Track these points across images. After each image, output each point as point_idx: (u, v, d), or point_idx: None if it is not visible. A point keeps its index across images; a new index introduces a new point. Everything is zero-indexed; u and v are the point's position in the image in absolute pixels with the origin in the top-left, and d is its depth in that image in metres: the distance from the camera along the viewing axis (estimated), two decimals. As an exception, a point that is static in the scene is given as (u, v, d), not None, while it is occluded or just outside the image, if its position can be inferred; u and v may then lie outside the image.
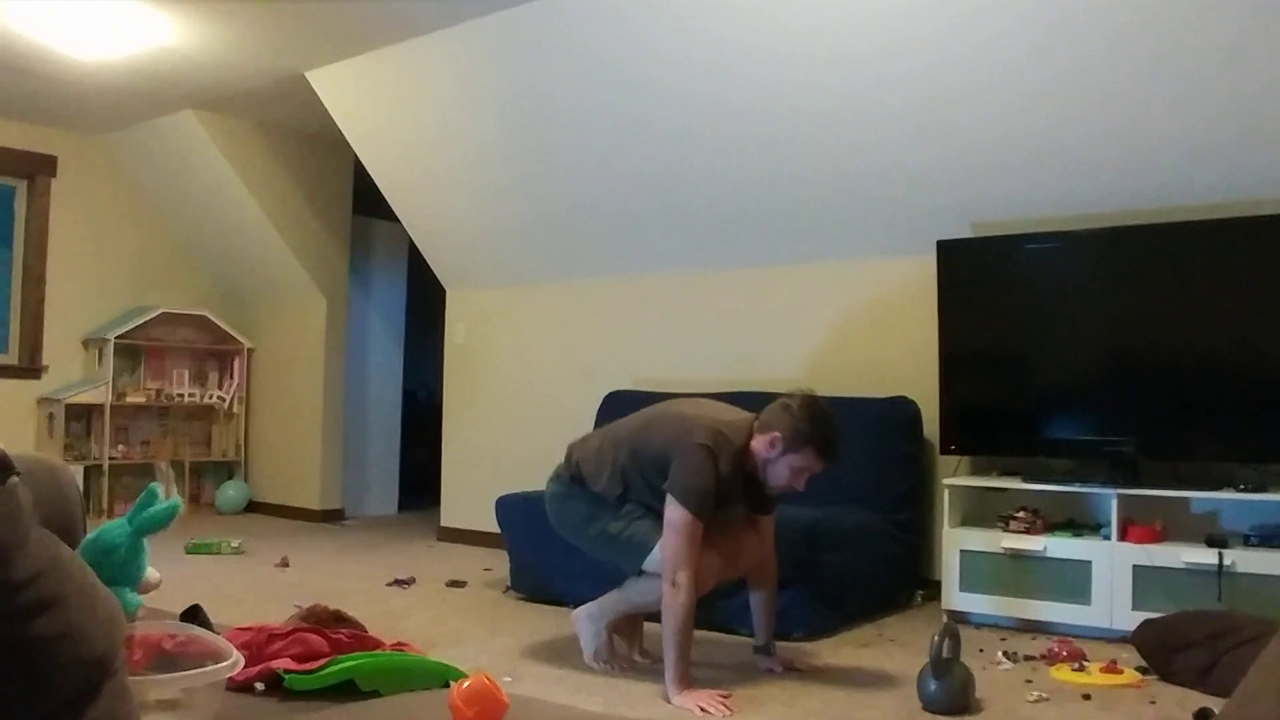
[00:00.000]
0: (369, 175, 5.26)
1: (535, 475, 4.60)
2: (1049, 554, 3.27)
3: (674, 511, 2.57)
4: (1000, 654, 2.98)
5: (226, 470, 6.50)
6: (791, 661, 2.88)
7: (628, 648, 2.94)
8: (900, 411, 3.79)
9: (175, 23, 4.29)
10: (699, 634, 3.24)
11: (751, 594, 2.89)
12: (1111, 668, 2.76)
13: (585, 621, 2.90)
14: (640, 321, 4.78)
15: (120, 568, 1.72)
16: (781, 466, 2.62)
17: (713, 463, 2.58)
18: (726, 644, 3.13)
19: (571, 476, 2.87)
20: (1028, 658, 2.96)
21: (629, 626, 2.96)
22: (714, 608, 3.28)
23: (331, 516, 6.10)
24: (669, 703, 2.51)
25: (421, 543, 5.26)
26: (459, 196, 4.99)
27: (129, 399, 6.06)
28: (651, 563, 2.68)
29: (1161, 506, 3.23)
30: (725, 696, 2.51)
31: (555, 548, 3.56)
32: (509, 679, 2.61)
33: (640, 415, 2.86)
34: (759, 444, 2.64)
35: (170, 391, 6.28)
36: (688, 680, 2.55)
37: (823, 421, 2.61)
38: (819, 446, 2.59)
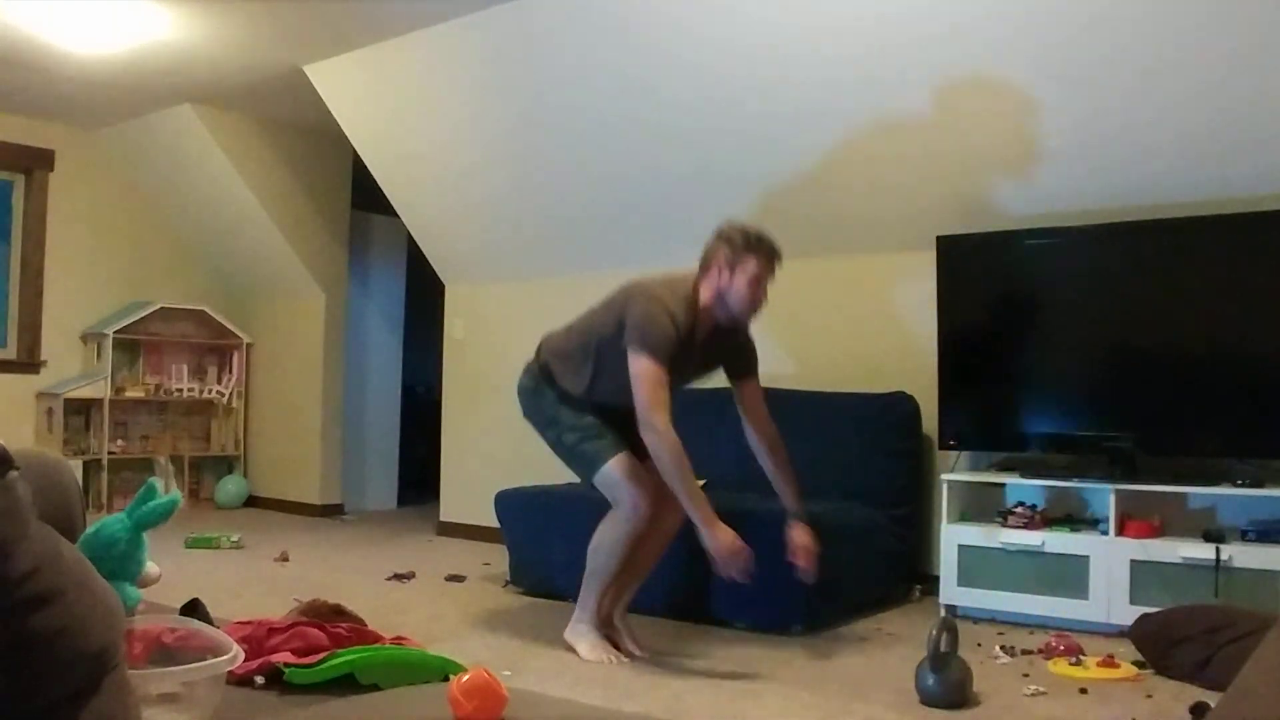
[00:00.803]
0: (368, 170, 5.25)
1: (534, 470, 4.61)
2: (1047, 549, 3.28)
3: (635, 362, 2.66)
4: (998, 648, 2.98)
5: (226, 465, 6.51)
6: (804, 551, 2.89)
7: (621, 642, 2.95)
8: (899, 407, 3.79)
9: (173, 17, 4.28)
10: (695, 626, 3.25)
11: (764, 464, 2.97)
12: (1108, 662, 2.76)
13: (573, 628, 2.94)
14: (639, 316, 4.77)
15: (120, 562, 1.72)
16: (739, 285, 2.73)
17: (665, 310, 2.68)
18: (723, 637, 3.14)
19: (540, 369, 2.96)
20: (1025, 652, 2.97)
21: (614, 625, 2.97)
22: (709, 600, 3.30)
23: (331, 511, 6.10)
24: (705, 547, 2.59)
25: (421, 537, 5.27)
26: (458, 191, 4.99)
27: (128, 394, 6.06)
28: (600, 478, 2.79)
29: (1159, 502, 3.23)
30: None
31: (554, 542, 3.57)
32: (508, 673, 2.62)
33: (596, 302, 2.99)
34: (709, 280, 2.76)
35: (169, 386, 6.28)
36: (711, 513, 2.61)
37: (752, 230, 2.77)
38: (757, 248, 2.74)
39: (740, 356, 2.91)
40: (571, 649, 2.91)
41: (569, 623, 2.96)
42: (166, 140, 5.83)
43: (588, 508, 3.07)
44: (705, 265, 2.78)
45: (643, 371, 2.64)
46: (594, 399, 2.88)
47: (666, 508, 2.85)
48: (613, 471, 2.79)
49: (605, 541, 2.85)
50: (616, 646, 2.91)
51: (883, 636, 3.20)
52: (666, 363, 2.65)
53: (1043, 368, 3.56)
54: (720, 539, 2.58)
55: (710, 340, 2.81)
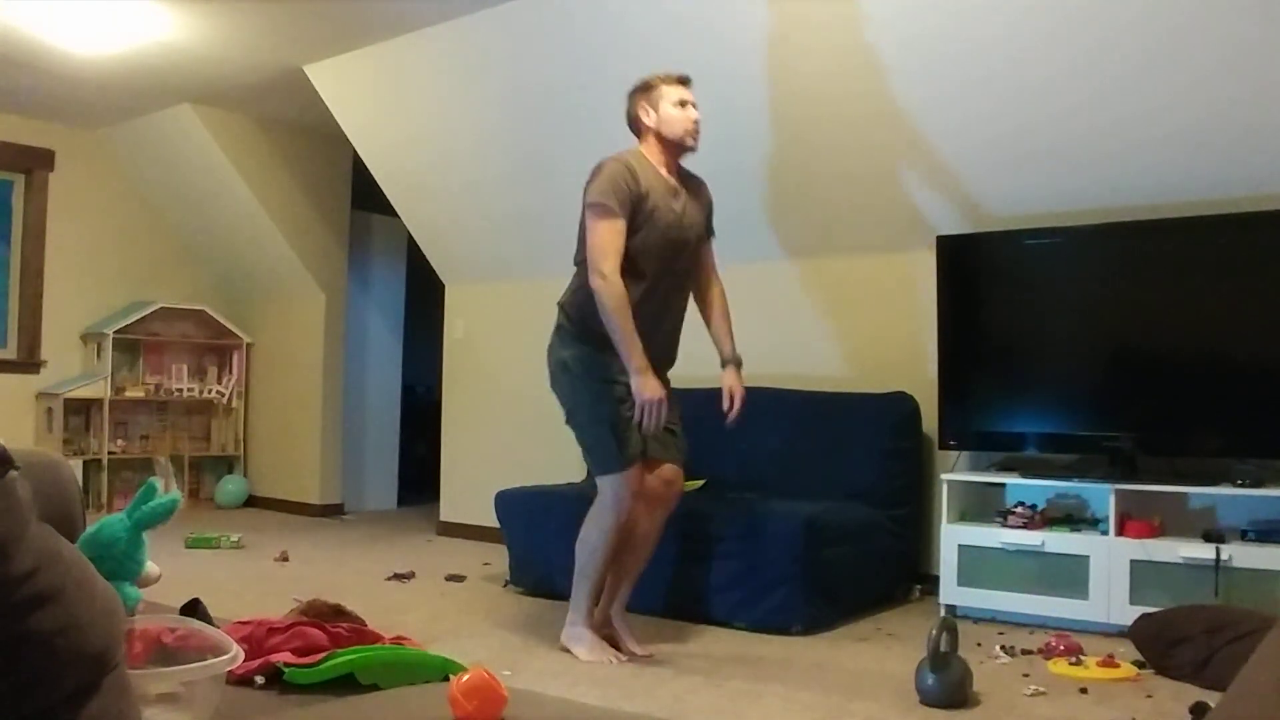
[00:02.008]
0: (368, 170, 5.25)
1: (534, 470, 4.61)
2: (1047, 549, 3.28)
3: (587, 217, 2.76)
4: (998, 648, 2.98)
5: (226, 465, 6.51)
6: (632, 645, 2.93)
7: (620, 641, 2.95)
8: (899, 407, 3.79)
9: (173, 17, 4.28)
10: (695, 626, 3.25)
11: (705, 314, 3.06)
12: (1108, 662, 2.77)
13: (569, 631, 2.94)
14: (639, 316, 4.77)
15: (120, 562, 1.72)
16: (666, 113, 2.83)
17: (618, 165, 2.76)
18: (723, 637, 3.14)
19: (561, 327, 2.95)
20: (1025, 652, 2.97)
21: (612, 626, 2.97)
22: (709, 600, 3.30)
23: (331, 511, 6.10)
24: (640, 392, 2.70)
25: (421, 537, 5.27)
26: (458, 191, 4.99)
27: (128, 393, 6.06)
28: (606, 479, 2.84)
29: (1159, 502, 3.23)
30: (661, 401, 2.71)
31: (554, 542, 3.57)
32: (508, 673, 2.62)
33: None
34: (644, 131, 2.87)
35: (169, 386, 6.28)
36: (645, 361, 2.70)
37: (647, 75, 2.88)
38: (663, 78, 2.86)
39: (707, 215, 3.02)
40: (568, 652, 2.91)
41: (564, 626, 2.96)
42: (166, 140, 5.83)
43: (587, 508, 3.07)
44: (635, 126, 2.90)
45: (592, 225, 2.74)
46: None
47: (647, 509, 2.89)
48: (619, 479, 2.82)
49: (590, 536, 2.89)
50: (616, 646, 2.91)
51: (883, 636, 3.20)
52: (621, 209, 2.73)
53: (1042, 368, 3.56)
54: (646, 383, 2.70)
55: (681, 189, 2.89)
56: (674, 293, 2.94)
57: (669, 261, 2.86)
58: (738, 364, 3.01)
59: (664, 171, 2.87)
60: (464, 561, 4.48)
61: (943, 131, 3.60)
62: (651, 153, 2.87)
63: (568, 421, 2.96)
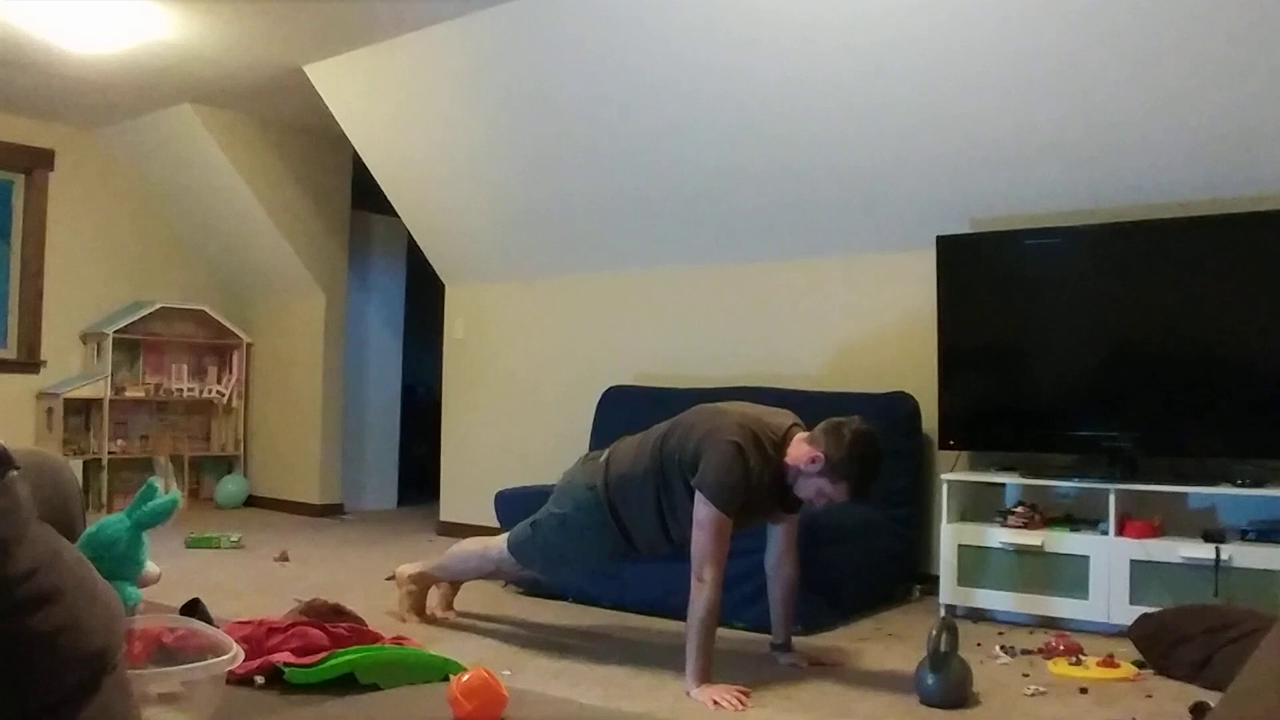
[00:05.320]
0: (368, 170, 5.25)
1: (534, 469, 4.61)
2: (1047, 549, 3.28)
3: (702, 508, 2.57)
4: (998, 648, 2.98)
5: (226, 465, 6.51)
6: (819, 657, 2.89)
7: (441, 605, 3.30)
8: (899, 407, 3.79)
9: (173, 16, 4.28)
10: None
11: (771, 593, 2.90)
12: (1108, 662, 2.77)
13: (407, 585, 3.27)
14: (640, 316, 4.78)
15: (120, 562, 1.72)
16: (811, 485, 2.59)
17: (742, 460, 2.56)
18: (723, 637, 3.13)
19: (607, 494, 2.82)
20: (1025, 652, 2.97)
21: (449, 586, 3.34)
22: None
23: (331, 511, 6.10)
24: (688, 695, 2.52)
25: (421, 537, 5.26)
26: (458, 191, 4.99)
27: (128, 393, 6.06)
28: (510, 538, 3.02)
29: (1159, 502, 3.23)
30: (744, 693, 2.51)
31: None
32: (508, 672, 2.62)
33: (679, 415, 2.82)
34: (799, 454, 2.59)
35: (169, 386, 6.28)
36: (706, 675, 2.55)
37: (869, 462, 2.55)
38: (854, 485, 2.55)
39: (792, 499, 2.76)
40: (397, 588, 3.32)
41: (407, 567, 3.33)
42: (166, 140, 5.83)
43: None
44: (812, 440, 2.60)
45: (708, 520, 2.55)
46: (639, 540, 2.83)
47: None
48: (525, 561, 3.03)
49: (472, 562, 3.19)
50: (430, 605, 3.32)
51: (882, 636, 3.20)
52: (733, 515, 2.58)
53: (1043, 368, 3.56)
54: (704, 692, 2.50)
55: (778, 482, 2.68)
56: None
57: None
58: (788, 649, 2.90)
59: (777, 471, 2.66)
60: (464, 561, 4.47)
61: (942, 131, 3.60)
62: (788, 458, 2.62)
63: (547, 516, 2.99)
